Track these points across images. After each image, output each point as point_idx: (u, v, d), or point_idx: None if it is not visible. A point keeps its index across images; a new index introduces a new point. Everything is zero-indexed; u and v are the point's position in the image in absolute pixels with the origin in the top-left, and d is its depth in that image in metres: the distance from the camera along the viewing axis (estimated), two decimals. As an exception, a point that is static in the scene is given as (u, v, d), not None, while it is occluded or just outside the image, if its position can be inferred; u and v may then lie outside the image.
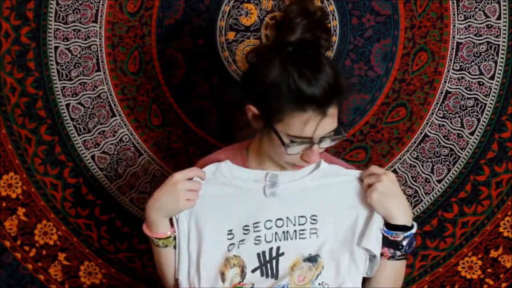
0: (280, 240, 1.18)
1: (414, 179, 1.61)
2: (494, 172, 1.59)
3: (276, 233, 1.19)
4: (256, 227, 1.19)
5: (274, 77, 1.09)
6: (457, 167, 1.60)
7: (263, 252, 1.18)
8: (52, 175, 1.68)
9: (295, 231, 1.19)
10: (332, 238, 1.19)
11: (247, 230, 1.19)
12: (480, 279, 1.65)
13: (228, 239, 1.19)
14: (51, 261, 1.73)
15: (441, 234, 1.63)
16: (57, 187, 1.68)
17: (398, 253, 1.21)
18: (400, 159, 1.60)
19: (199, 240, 1.20)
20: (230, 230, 1.20)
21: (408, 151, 1.60)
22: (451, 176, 1.60)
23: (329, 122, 1.12)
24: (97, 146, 1.66)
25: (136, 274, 1.71)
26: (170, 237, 1.22)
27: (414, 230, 1.20)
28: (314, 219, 1.19)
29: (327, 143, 1.16)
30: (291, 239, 1.18)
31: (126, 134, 1.65)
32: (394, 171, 1.60)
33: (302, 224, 1.19)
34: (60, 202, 1.69)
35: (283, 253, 1.18)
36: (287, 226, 1.19)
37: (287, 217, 1.20)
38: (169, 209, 1.19)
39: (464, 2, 1.52)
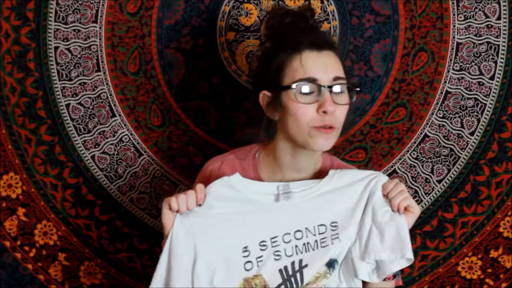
0: (301, 253, 1.14)
1: (414, 179, 1.60)
2: (494, 172, 1.59)
3: (296, 246, 1.14)
4: (274, 241, 1.14)
5: (271, 48, 1.24)
6: (457, 167, 1.59)
7: (285, 267, 1.13)
8: (52, 175, 1.68)
9: (316, 241, 1.14)
10: (353, 240, 1.14)
11: (264, 246, 1.14)
12: (480, 279, 1.64)
13: (243, 256, 1.13)
14: (51, 261, 1.72)
15: (441, 234, 1.63)
16: (57, 187, 1.68)
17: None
18: (400, 159, 1.60)
19: (210, 261, 1.13)
20: (246, 247, 1.14)
21: (408, 151, 1.60)
22: (451, 176, 1.60)
23: (328, 62, 1.18)
24: (97, 146, 1.66)
25: (136, 274, 1.71)
26: None
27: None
28: (335, 226, 1.15)
29: (340, 96, 1.17)
30: (313, 249, 1.14)
31: (126, 134, 1.65)
32: (394, 171, 1.60)
33: (323, 233, 1.14)
34: (60, 202, 1.69)
35: (306, 265, 1.13)
36: (307, 237, 1.14)
37: (306, 228, 1.15)
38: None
39: (464, 2, 1.53)
